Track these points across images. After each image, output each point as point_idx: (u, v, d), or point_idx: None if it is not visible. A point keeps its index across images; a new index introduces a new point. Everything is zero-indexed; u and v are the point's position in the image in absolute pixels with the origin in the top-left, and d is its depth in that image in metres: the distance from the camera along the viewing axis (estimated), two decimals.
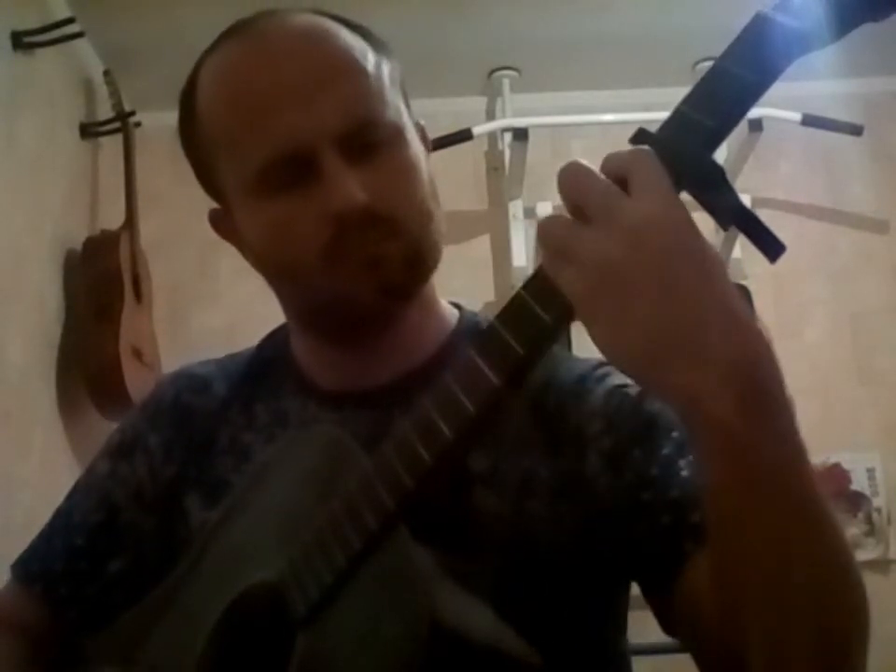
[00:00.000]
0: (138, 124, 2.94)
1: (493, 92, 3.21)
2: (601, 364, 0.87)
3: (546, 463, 0.83)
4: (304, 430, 0.87)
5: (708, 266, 0.58)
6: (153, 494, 0.93)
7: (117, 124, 2.91)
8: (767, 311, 2.92)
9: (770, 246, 0.57)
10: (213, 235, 0.92)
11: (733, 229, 0.58)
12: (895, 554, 2.97)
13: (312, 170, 0.80)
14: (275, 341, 0.98)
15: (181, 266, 3.06)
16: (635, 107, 2.93)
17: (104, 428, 2.64)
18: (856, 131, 2.97)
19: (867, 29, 0.58)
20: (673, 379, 0.57)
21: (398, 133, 0.84)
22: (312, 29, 0.85)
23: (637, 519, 0.78)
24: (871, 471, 3.01)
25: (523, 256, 2.98)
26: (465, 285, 2.41)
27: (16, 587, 0.95)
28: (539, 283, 0.61)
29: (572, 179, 0.60)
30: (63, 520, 0.96)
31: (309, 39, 0.84)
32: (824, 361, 3.07)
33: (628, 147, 0.61)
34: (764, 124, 2.82)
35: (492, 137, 3.21)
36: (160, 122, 2.41)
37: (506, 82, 3.16)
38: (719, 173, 0.58)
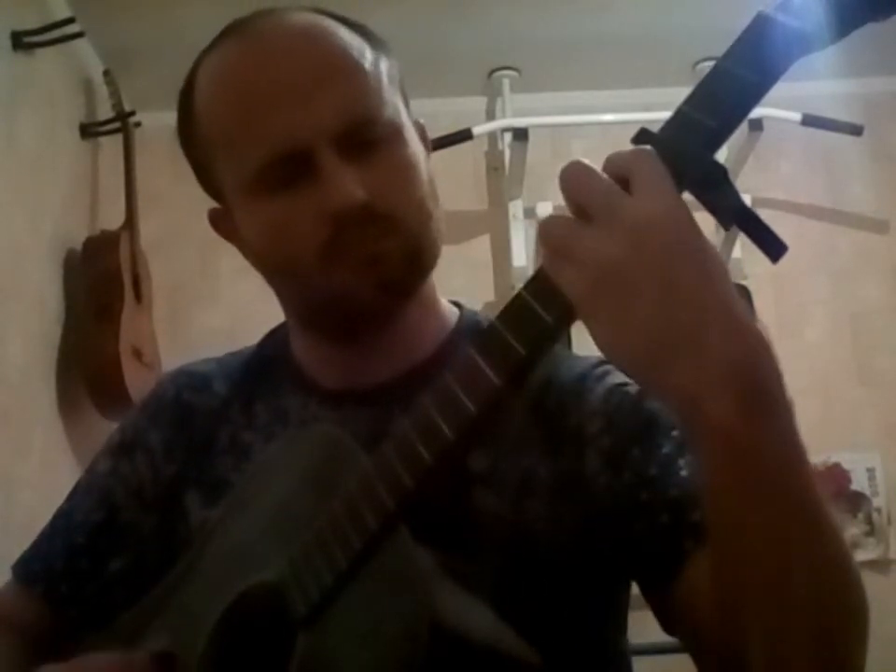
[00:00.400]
0: (138, 124, 2.94)
1: (493, 92, 3.22)
2: (601, 362, 0.87)
3: (546, 462, 0.83)
4: (304, 429, 0.87)
5: (709, 266, 0.58)
6: (153, 492, 0.93)
7: (117, 124, 2.91)
8: (767, 311, 2.92)
9: (772, 246, 0.57)
10: (213, 235, 0.92)
11: (733, 228, 0.58)
12: (895, 554, 2.97)
13: (310, 168, 0.80)
14: (275, 339, 0.98)
15: (181, 266, 3.06)
16: (635, 107, 2.93)
17: (104, 428, 2.64)
18: (856, 131, 2.97)
19: (867, 29, 0.59)
20: (673, 379, 0.57)
21: (396, 132, 0.84)
22: (310, 27, 0.85)
23: (637, 518, 0.78)
24: (871, 471, 3.01)
25: (523, 256, 2.98)
26: (465, 285, 2.42)
27: (17, 587, 0.95)
28: (540, 283, 0.61)
29: (574, 178, 0.60)
30: (63, 520, 0.96)
31: (307, 38, 0.84)
32: (824, 361, 3.07)
33: (628, 146, 0.61)
34: (764, 124, 2.82)
35: (492, 137, 3.21)
36: (160, 122, 2.41)
37: (506, 82, 3.16)
38: (720, 172, 0.58)
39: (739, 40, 0.59)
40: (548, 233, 0.60)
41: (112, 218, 2.88)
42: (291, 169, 0.80)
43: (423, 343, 0.90)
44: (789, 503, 0.59)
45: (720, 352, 0.56)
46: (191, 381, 0.98)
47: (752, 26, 0.59)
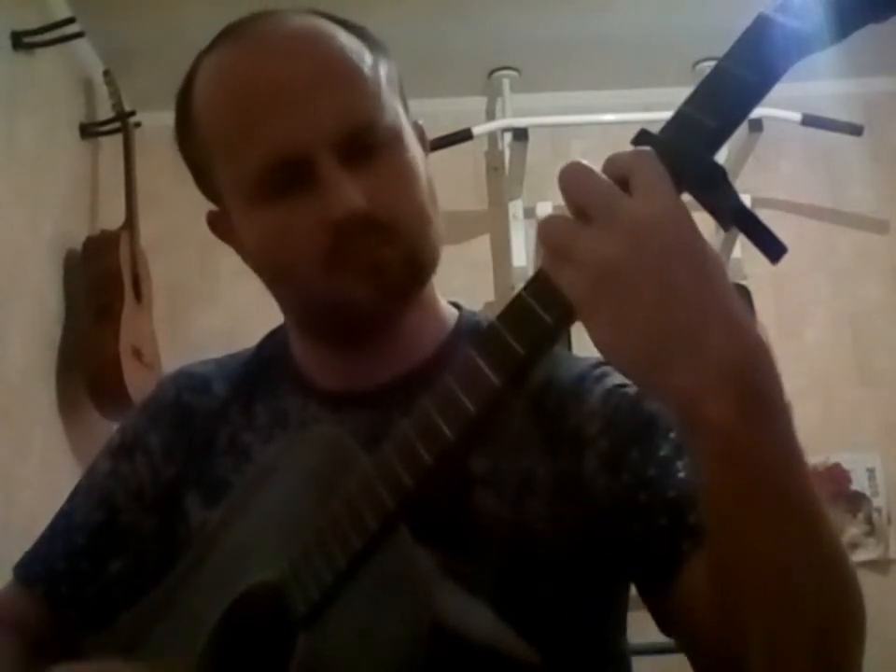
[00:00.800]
0: (138, 124, 2.94)
1: (493, 92, 3.22)
2: (600, 363, 0.87)
3: (545, 463, 0.83)
4: (304, 430, 0.87)
5: (708, 267, 0.58)
6: (153, 494, 0.93)
7: (117, 124, 2.91)
8: (767, 311, 2.92)
9: (771, 247, 0.57)
10: (213, 235, 0.92)
11: (733, 229, 0.58)
12: (895, 554, 2.97)
13: (310, 175, 0.79)
14: (275, 340, 0.98)
15: (181, 266, 3.06)
16: (635, 107, 2.93)
17: (104, 428, 2.65)
18: (856, 131, 2.97)
19: (867, 29, 0.59)
20: (672, 380, 0.57)
21: (396, 136, 0.83)
22: (308, 32, 0.84)
23: (635, 520, 0.78)
24: (871, 471, 3.01)
25: (523, 256, 2.98)
26: (465, 285, 2.42)
27: (17, 588, 0.95)
28: (540, 283, 0.61)
29: (573, 179, 0.60)
30: (64, 521, 0.96)
31: (306, 42, 0.83)
32: (824, 361, 3.07)
33: (628, 146, 0.61)
34: (764, 124, 2.82)
35: (492, 137, 3.21)
36: (160, 122, 2.39)
37: (506, 82, 3.16)
38: (720, 173, 0.58)
39: (740, 41, 0.59)
40: (547, 234, 0.60)
41: (112, 218, 2.88)
42: (291, 176, 0.79)
43: (422, 345, 0.90)
44: (786, 504, 0.59)
45: (718, 353, 0.56)
46: (191, 382, 0.98)
47: (753, 27, 0.59)
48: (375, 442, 0.70)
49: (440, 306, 0.94)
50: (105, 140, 3.01)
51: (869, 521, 2.98)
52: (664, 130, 0.60)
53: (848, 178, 3.21)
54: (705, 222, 0.60)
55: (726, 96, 0.59)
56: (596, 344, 0.59)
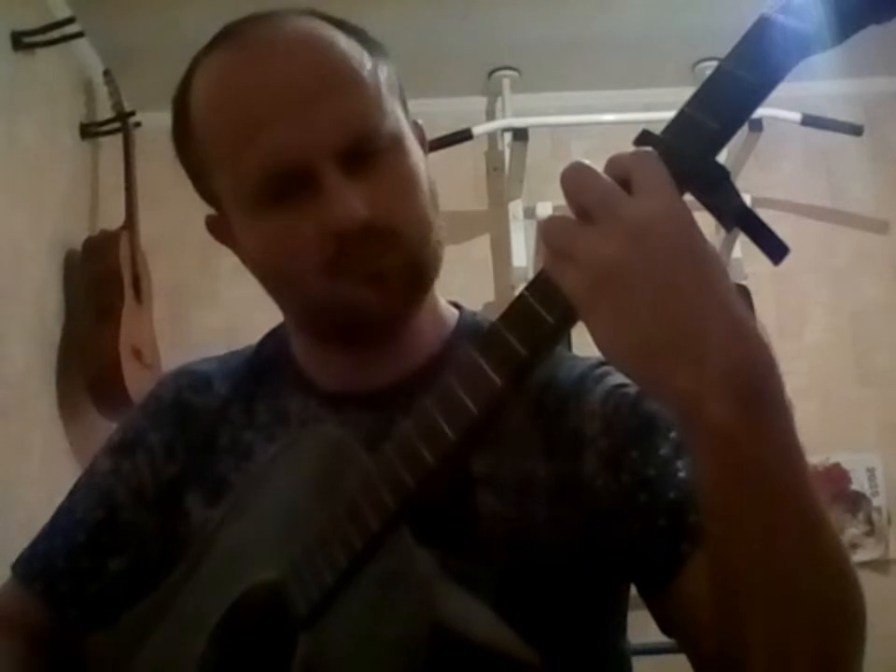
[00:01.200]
0: (138, 124, 2.94)
1: (493, 92, 3.22)
2: (601, 363, 0.87)
3: (545, 463, 0.83)
4: (306, 430, 0.87)
5: (709, 267, 0.58)
6: (154, 492, 0.93)
7: (117, 124, 2.91)
8: (767, 311, 2.92)
9: (773, 248, 0.57)
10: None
11: (734, 228, 0.58)
12: (895, 554, 2.97)
13: (311, 183, 0.79)
14: (275, 339, 0.97)
15: (181, 266, 3.06)
16: (635, 107, 2.93)
17: (104, 428, 2.64)
18: (856, 131, 2.97)
19: (867, 29, 0.59)
20: (672, 380, 0.57)
21: (397, 143, 0.83)
22: (307, 36, 0.83)
23: (635, 520, 0.78)
24: (871, 471, 3.01)
25: (523, 256, 2.98)
26: (465, 285, 2.41)
27: (17, 586, 0.94)
28: (541, 284, 0.61)
29: (575, 179, 0.60)
30: (64, 518, 0.96)
31: (305, 47, 0.82)
32: (824, 361, 3.07)
33: (629, 147, 0.61)
34: (764, 124, 2.82)
35: (492, 137, 3.21)
36: (160, 122, 2.39)
37: (506, 82, 3.16)
38: (722, 174, 0.58)
39: (741, 42, 0.59)
40: (549, 234, 0.60)
41: (112, 218, 2.88)
42: (292, 183, 0.79)
43: (423, 346, 0.90)
44: (787, 505, 0.59)
45: (719, 353, 0.56)
46: (192, 380, 0.98)
47: (754, 28, 0.59)
48: (376, 442, 0.70)
49: (440, 307, 0.94)
50: (105, 140, 3.00)
51: (869, 521, 2.98)
52: (665, 131, 0.60)
53: (848, 178, 3.21)
54: (705, 222, 0.60)
55: (728, 97, 0.59)
56: (597, 344, 0.59)
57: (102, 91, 2.93)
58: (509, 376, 0.61)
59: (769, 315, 2.94)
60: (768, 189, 3.12)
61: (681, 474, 0.77)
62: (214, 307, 3.05)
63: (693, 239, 0.58)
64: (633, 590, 0.84)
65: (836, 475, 2.98)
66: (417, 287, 0.84)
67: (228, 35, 0.85)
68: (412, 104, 0.89)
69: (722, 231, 2.57)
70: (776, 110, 2.84)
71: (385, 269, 0.80)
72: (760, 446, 0.57)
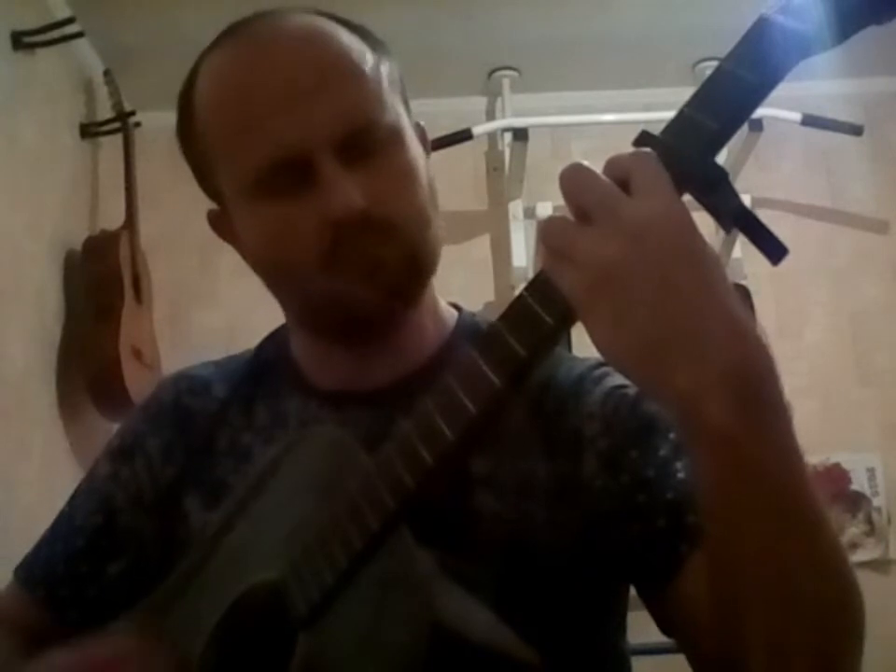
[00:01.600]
0: (138, 124, 2.94)
1: (493, 92, 3.22)
2: (600, 364, 0.87)
3: (544, 464, 0.83)
4: (306, 431, 0.87)
5: (708, 268, 0.58)
6: (153, 496, 0.93)
7: (117, 124, 2.91)
8: (767, 311, 2.92)
9: (772, 249, 0.57)
10: (213, 235, 0.92)
11: (734, 229, 0.58)
12: (895, 554, 2.97)
13: (310, 174, 0.79)
14: (275, 342, 0.98)
15: (181, 266, 3.06)
16: (635, 107, 2.93)
17: (104, 429, 2.65)
18: (856, 131, 2.97)
19: (867, 29, 0.59)
20: (671, 381, 0.57)
21: (396, 136, 0.83)
22: (310, 31, 0.85)
23: (634, 521, 0.78)
24: (871, 471, 3.01)
25: (523, 256, 2.98)
26: (465, 285, 2.42)
27: (18, 591, 0.95)
28: (541, 284, 0.61)
29: (574, 180, 0.60)
30: (64, 523, 0.96)
31: (307, 42, 0.83)
32: (824, 361, 3.07)
33: (628, 147, 0.61)
34: (764, 124, 2.82)
35: (492, 137, 3.21)
36: (160, 122, 2.40)
37: (506, 82, 3.16)
38: (721, 175, 0.58)
39: (741, 42, 0.59)
40: (548, 235, 0.61)
41: (112, 218, 2.88)
42: (291, 175, 0.79)
43: (423, 346, 0.90)
44: (786, 505, 0.59)
45: (718, 354, 0.56)
46: (191, 384, 0.98)
47: (754, 29, 0.59)
48: (376, 443, 0.70)
49: (439, 307, 0.94)
50: (105, 140, 3.01)
51: (869, 521, 2.98)
52: (665, 131, 0.60)
53: (848, 178, 3.21)
54: (704, 222, 0.60)
55: (727, 98, 0.59)
56: (596, 345, 0.59)
57: (102, 90, 2.94)
58: (508, 377, 0.61)
59: (769, 315, 2.94)
60: (768, 189, 3.12)
61: (680, 475, 0.77)
62: (214, 307, 3.05)
63: (692, 240, 0.58)
64: (633, 590, 0.84)
65: (836, 475, 2.97)
66: (413, 281, 0.84)
67: (232, 33, 0.86)
68: (412, 104, 0.89)
69: (722, 232, 2.57)
70: (776, 110, 2.84)
71: (380, 259, 0.80)
72: (758, 447, 0.57)
